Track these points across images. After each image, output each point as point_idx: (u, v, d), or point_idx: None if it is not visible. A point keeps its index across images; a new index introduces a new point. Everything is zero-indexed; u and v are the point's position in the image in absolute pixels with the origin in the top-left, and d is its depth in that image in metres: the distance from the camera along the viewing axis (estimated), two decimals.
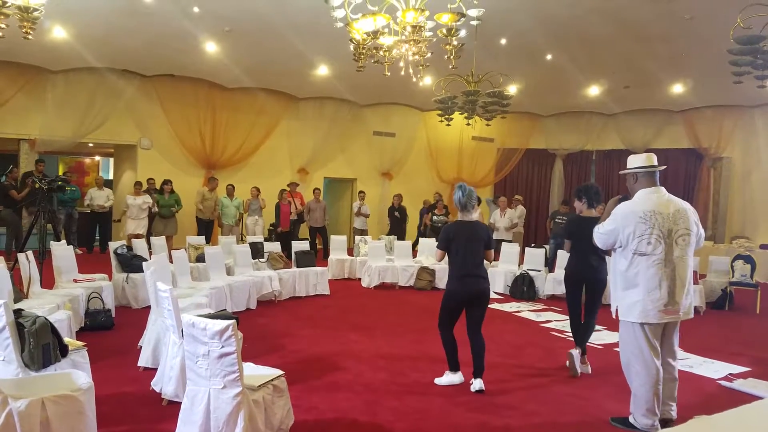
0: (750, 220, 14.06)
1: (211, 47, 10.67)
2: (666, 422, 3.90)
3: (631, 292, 3.82)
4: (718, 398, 4.79)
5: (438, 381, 4.84)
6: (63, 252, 6.88)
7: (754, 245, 12.89)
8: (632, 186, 3.99)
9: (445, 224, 12.05)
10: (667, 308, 3.76)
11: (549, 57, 11.00)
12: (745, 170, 14.30)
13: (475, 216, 4.82)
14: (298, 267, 8.95)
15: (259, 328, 6.62)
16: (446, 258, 4.91)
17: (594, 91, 13.51)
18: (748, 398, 4.70)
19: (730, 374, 5.45)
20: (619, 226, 3.82)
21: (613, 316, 4.00)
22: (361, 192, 13.70)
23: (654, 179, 3.91)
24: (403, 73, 6.89)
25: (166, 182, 11.74)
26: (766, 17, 6.27)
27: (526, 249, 10.30)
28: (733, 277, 9.22)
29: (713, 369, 5.59)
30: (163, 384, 4.19)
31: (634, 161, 3.97)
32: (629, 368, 3.98)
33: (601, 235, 3.99)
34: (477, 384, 4.64)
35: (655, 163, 3.94)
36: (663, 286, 3.74)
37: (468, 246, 4.66)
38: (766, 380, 5.26)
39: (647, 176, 3.90)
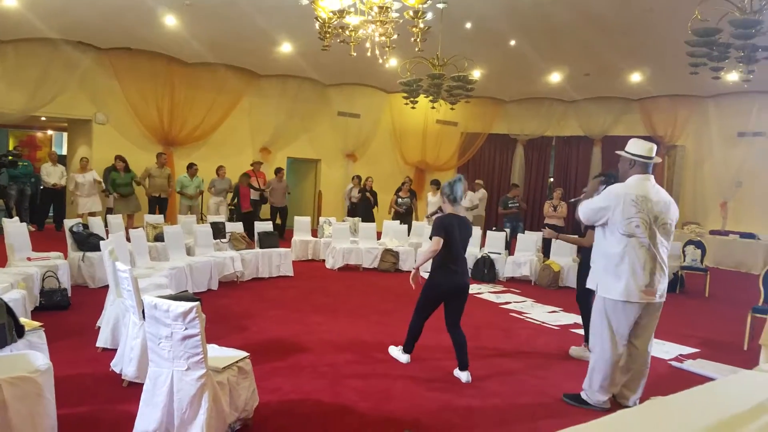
0: (701, 207, 14.55)
1: (170, 20, 10.34)
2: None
3: (616, 270, 3.96)
4: (669, 378, 5.00)
5: (390, 349, 5.11)
6: (16, 229, 6.63)
7: (705, 231, 13.40)
8: (626, 170, 4.12)
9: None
10: (647, 289, 3.94)
11: (512, 43, 11.07)
12: (698, 159, 14.75)
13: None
14: (261, 248, 8.88)
15: (222, 309, 6.55)
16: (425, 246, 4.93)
17: (555, 77, 13.69)
18: (698, 378, 4.94)
19: (680, 355, 5.69)
20: (611, 204, 3.96)
21: (597, 293, 4.12)
22: (358, 177, 13.31)
23: (648, 168, 4.07)
24: (369, 53, 6.83)
25: (121, 159, 11.29)
26: (723, 10, 6.46)
27: (488, 232, 10.47)
28: (684, 261, 9.57)
29: (664, 350, 5.81)
30: (124, 365, 4.13)
31: (636, 148, 4.08)
32: (594, 341, 4.15)
33: (589, 210, 4.11)
34: (464, 376, 4.62)
35: (654, 155, 4.08)
36: (647, 268, 3.92)
37: (461, 241, 4.70)
38: (714, 361, 5.51)
39: (643, 164, 4.06)
